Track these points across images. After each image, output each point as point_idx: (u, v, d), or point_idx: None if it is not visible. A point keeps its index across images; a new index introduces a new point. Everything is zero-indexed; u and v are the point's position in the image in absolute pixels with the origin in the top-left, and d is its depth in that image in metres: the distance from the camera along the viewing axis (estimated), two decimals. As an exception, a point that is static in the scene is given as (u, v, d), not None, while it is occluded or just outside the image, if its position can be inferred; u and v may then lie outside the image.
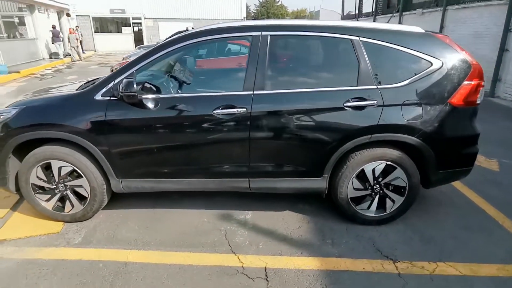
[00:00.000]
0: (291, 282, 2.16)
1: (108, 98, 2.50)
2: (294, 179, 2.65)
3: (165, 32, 21.37)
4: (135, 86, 2.31)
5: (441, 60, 2.49)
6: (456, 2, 9.87)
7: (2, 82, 10.28)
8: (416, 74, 2.49)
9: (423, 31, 2.61)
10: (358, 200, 2.72)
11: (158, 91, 2.57)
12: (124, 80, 2.35)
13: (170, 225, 2.78)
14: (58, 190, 2.70)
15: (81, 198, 2.73)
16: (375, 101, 2.45)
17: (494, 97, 8.16)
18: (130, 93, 2.32)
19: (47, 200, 2.74)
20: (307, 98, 2.50)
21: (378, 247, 2.52)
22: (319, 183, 2.65)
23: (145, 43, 22.43)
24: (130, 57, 8.34)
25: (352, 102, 2.45)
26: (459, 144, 2.61)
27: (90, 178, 2.64)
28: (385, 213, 2.73)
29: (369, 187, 2.66)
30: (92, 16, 23.23)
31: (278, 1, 55.31)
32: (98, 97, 2.52)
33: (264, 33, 2.51)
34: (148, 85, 2.52)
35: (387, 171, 2.60)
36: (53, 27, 16.68)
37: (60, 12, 19.44)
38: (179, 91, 2.92)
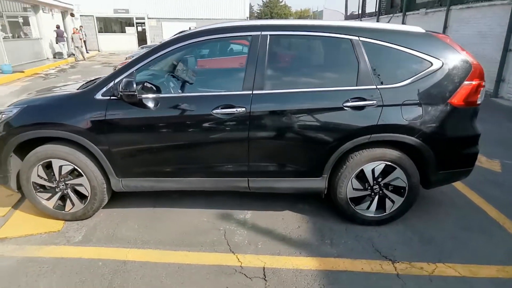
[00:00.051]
0: (289, 282, 2.16)
1: (108, 97, 2.52)
2: (293, 179, 2.65)
3: (169, 32, 21.46)
4: (134, 85, 2.32)
5: (441, 60, 2.48)
6: (460, 2, 9.82)
7: (6, 82, 10.36)
8: (416, 74, 2.48)
9: (424, 31, 2.60)
10: (357, 200, 2.71)
11: (158, 90, 2.58)
12: (124, 79, 2.36)
13: (170, 224, 2.79)
14: (59, 188, 2.72)
15: (81, 197, 2.75)
16: (375, 101, 2.44)
17: (497, 97, 8.11)
18: (129, 93, 2.34)
19: (48, 199, 2.76)
20: (306, 98, 2.49)
21: (377, 247, 2.51)
22: (318, 183, 2.64)
23: (149, 43, 22.50)
24: (133, 56, 8.37)
25: (352, 102, 2.45)
26: (459, 144, 2.60)
27: (90, 177, 2.66)
28: (385, 213, 2.72)
29: (369, 187, 2.66)
30: (96, 16, 23.35)
31: (282, 1, 55.30)
32: (99, 96, 2.53)
33: (263, 33, 2.51)
34: (148, 85, 2.54)
35: (386, 171, 2.60)
36: (57, 27, 16.78)
37: (65, 12, 19.56)
38: (179, 91, 2.93)
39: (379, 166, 2.58)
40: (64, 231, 2.70)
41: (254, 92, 2.47)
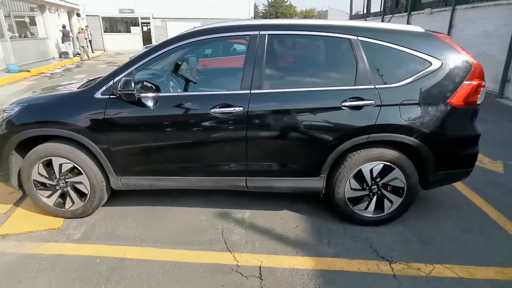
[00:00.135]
0: (285, 281, 2.16)
1: (108, 96, 2.54)
2: (291, 179, 2.65)
3: (173, 31, 21.50)
4: (133, 84, 2.34)
5: (441, 60, 2.47)
6: (465, 1, 9.73)
7: (12, 81, 10.48)
8: (415, 74, 2.47)
9: (423, 30, 2.58)
10: (355, 201, 2.70)
11: (157, 89, 2.60)
12: (123, 78, 2.38)
13: (168, 222, 2.81)
14: (59, 186, 2.75)
15: (81, 194, 2.78)
16: (373, 101, 2.44)
17: (503, 98, 8.01)
18: (128, 91, 2.36)
19: (48, 196, 2.79)
20: (304, 98, 2.49)
21: (375, 247, 2.50)
22: (316, 183, 2.64)
23: (153, 42, 22.59)
24: (136, 56, 8.40)
25: (350, 101, 2.44)
26: (458, 145, 2.58)
27: (89, 175, 2.69)
28: (383, 214, 2.71)
29: (367, 188, 2.65)
30: (102, 16, 23.50)
31: (287, 1, 55.24)
32: (98, 95, 2.56)
33: (262, 32, 2.51)
34: (147, 84, 2.56)
35: (385, 171, 2.59)
36: (63, 26, 16.94)
37: (71, 12, 19.74)
38: (179, 90, 2.94)
39: (378, 166, 2.57)
40: (64, 229, 2.73)
41: (252, 91, 2.47)
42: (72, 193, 2.76)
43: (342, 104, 2.44)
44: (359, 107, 2.45)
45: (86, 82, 3.05)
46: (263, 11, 56.76)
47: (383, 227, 2.73)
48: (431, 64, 2.46)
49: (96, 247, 2.49)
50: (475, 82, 2.46)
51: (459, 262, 2.35)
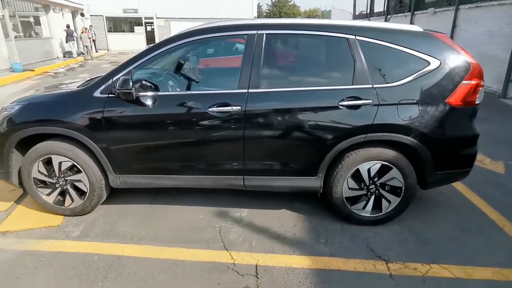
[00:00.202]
0: (281, 280, 2.17)
1: (107, 95, 2.55)
2: (288, 178, 2.66)
3: (177, 31, 21.43)
4: (131, 83, 2.35)
5: (439, 60, 2.46)
6: (469, 1, 9.66)
7: (16, 80, 10.57)
8: (413, 74, 2.46)
9: (422, 30, 2.58)
10: (353, 200, 2.70)
11: (156, 89, 2.62)
12: (121, 77, 2.40)
13: (167, 221, 2.83)
14: (58, 184, 2.77)
15: (80, 192, 2.80)
16: (371, 100, 2.43)
17: (506, 98, 7.95)
18: (126, 90, 2.37)
19: (48, 194, 2.81)
20: (301, 97, 2.49)
21: (372, 247, 2.50)
22: (314, 182, 2.64)
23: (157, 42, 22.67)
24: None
25: (347, 101, 2.44)
26: (457, 144, 2.57)
27: (89, 173, 2.71)
28: (381, 213, 2.71)
29: (365, 187, 2.64)
30: (106, 16, 23.65)
31: (291, 1, 55.14)
32: (97, 94, 2.58)
33: (259, 32, 2.52)
34: (145, 83, 2.57)
35: (382, 171, 2.58)
36: (67, 26, 17.06)
37: (75, 12, 19.86)
38: (177, 89, 2.96)
39: (375, 165, 2.57)
40: (63, 226, 2.75)
41: (250, 90, 2.48)
42: (71, 191, 2.78)
43: (340, 103, 2.44)
44: (356, 107, 2.45)
45: (86, 81, 3.08)
46: (267, 11, 56.73)
47: (381, 227, 2.73)
48: (429, 63, 2.46)
49: (94, 245, 2.51)
50: (473, 82, 2.45)
51: (457, 262, 2.34)
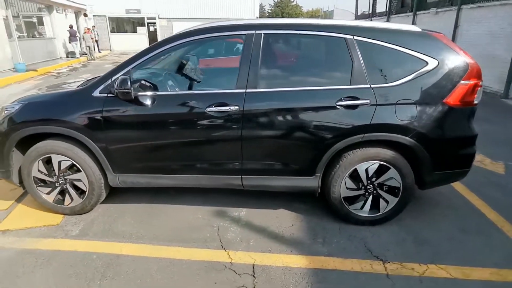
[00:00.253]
0: (277, 279, 2.17)
1: (106, 95, 2.57)
2: (286, 178, 2.66)
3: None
4: (129, 83, 2.37)
5: (437, 60, 2.45)
6: (471, 1, 9.62)
7: (20, 80, 10.64)
8: (411, 74, 2.46)
9: (420, 30, 2.58)
10: (351, 200, 2.70)
11: (155, 88, 2.63)
12: (120, 77, 2.41)
13: (165, 220, 2.84)
14: (58, 183, 2.79)
15: (80, 192, 2.82)
16: (368, 100, 2.43)
17: (508, 98, 7.91)
18: (124, 90, 2.39)
19: (48, 193, 2.83)
20: (299, 97, 2.50)
21: (370, 247, 2.50)
22: (312, 182, 2.65)
23: (159, 42, 22.69)
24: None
25: (345, 101, 2.44)
26: (455, 145, 2.56)
27: (88, 173, 2.73)
28: (379, 213, 2.71)
29: (363, 187, 2.64)
30: (109, 16, 23.75)
31: (293, 1, 55.12)
32: (96, 94, 2.59)
33: (257, 32, 2.53)
34: (144, 83, 2.59)
35: (380, 171, 2.58)
36: (70, 26, 17.14)
37: (78, 12, 19.96)
38: (176, 89, 2.97)
39: (373, 165, 2.57)
40: (63, 225, 2.77)
41: (248, 90, 2.49)
42: (71, 190, 2.80)
43: (337, 103, 2.44)
44: (354, 107, 2.45)
45: (86, 81, 3.10)
46: (269, 11, 56.74)
47: (379, 227, 2.73)
48: (427, 63, 2.46)
49: (93, 244, 2.52)
50: (472, 82, 2.45)
51: (454, 262, 2.34)
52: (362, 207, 2.70)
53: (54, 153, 2.68)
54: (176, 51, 2.74)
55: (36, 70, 12.02)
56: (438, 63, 2.45)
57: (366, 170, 2.58)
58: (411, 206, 2.95)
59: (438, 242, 2.57)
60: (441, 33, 2.60)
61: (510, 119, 6.37)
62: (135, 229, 2.71)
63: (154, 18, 24.32)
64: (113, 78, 2.53)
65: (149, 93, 2.53)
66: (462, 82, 2.45)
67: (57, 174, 2.75)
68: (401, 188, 2.61)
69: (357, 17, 22.96)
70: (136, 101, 2.50)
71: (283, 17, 47.64)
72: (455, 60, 2.46)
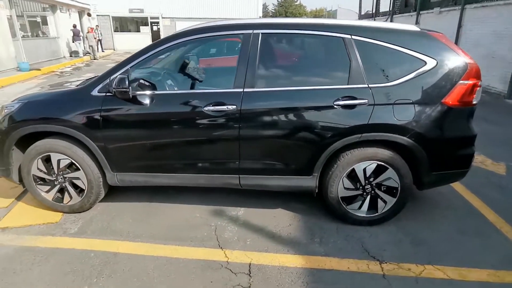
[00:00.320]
0: (273, 279, 2.18)
1: (104, 94, 2.59)
2: (283, 177, 2.66)
3: (182, 31, 21.61)
4: (127, 82, 2.38)
5: (436, 59, 2.44)
6: (475, 0, 9.55)
7: (23, 79, 10.72)
8: (409, 73, 2.45)
9: (418, 29, 2.56)
10: (349, 200, 2.70)
11: (153, 88, 2.64)
12: (118, 76, 2.43)
13: (163, 219, 2.85)
14: (57, 181, 2.81)
15: (79, 190, 2.84)
16: (366, 100, 2.43)
17: (511, 99, 7.85)
18: (122, 89, 2.40)
19: (47, 191, 2.85)
20: (296, 96, 2.50)
21: (367, 247, 2.49)
22: (309, 182, 2.64)
23: (162, 42, 22.72)
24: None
25: (342, 100, 2.44)
26: (453, 145, 2.55)
27: (87, 171, 2.74)
28: (377, 213, 2.70)
29: (360, 187, 2.64)
30: (112, 16, 23.85)
31: (297, 1, 55.03)
32: (95, 93, 2.61)
33: (255, 31, 2.53)
34: (143, 82, 2.60)
35: (378, 171, 2.57)
36: (74, 26, 17.23)
37: (81, 12, 20.06)
38: (175, 88, 2.98)
39: (371, 165, 2.56)
40: (62, 223, 2.79)
41: (245, 90, 2.49)
42: (70, 188, 2.82)
43: (335, 103, 2.43)
44: (352, 106, 2.44)
45: (86, 80, 3.11)
46: (273, 10, 56.70)
47: (377, 227, 2.72)
48: (425, 63, 2.44)
49: (91, 242, 2.54)
50: (470, 82, 2.43)
51: (452, 263, 2.33)
52: (360, 207, 2.69)
53: (53, 152, 2.70)
54: (175, 50, 2.75)
55: (39, 69, 12.10)
56: (437, 63, 2.44)
57: (364, 170, 2.57)
58: (410, 206, 2.94)
59: (436, 243, 2.55)
60: (440, 32, 2.58)
61: (513, 120, 6.32)
62: (133, 228, 2.72)
63: (157, 18, 24.38)
64: (112, 77, 2.54)
65: (147, 92, 2.54)
66: (461, 82, 2.43)
67: (56, 172, 2.77)
68: (399, 188, 2.60)
69: (361, 17, 22.90)
70: (134, 100, 2.51)
71: (286, 16, 47.56)
72: (454, 60, 2.45)
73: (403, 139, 2.45)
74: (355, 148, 2.54)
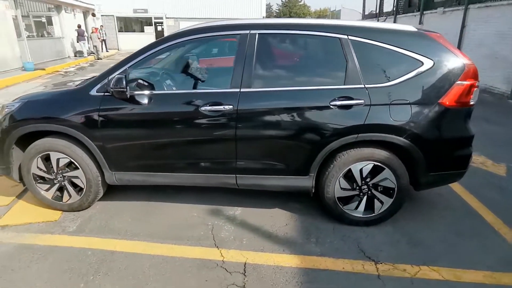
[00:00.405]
0: (268, 278, 2.18)
1: (103, 93, 2.61)
2: (280, 177, 2.67)
3: (185, 31, 21.68)
4: (124, 82, 2.40)
5: (433, 60, 2.44)
6: (479, 0, 9.48)
7: (28, 79, 10.83)
8: (406, 74, 2.45)
9: (415, 29, 2.56)
10: (345, 200, 2.70)
11: (151, 87, 2.66)
12: (116, 76, 2.45)
13: (161, 218, 2.87)
14: (57, 180, 2.84)
15: (78, 189, 2.87)
16: (362, 100, 2.43)
17: (515, 99, 7.79)
18: (119, 89, 2.42)
19: (47, 190, 2.89)
20: (293, 97, 2.51)
21: (363, 248, 2.49)
22: (306, 182, 2.65)
23: (166, 42, 22.82)
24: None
25: (339, 101, 2.44)
26: (450, 146, 2.54)
27: (85, 170, 2.77)
28: (374, 214, 2.70)
29: (357, 187, 2.64)
30: (116, 16, 24.00)
31: (301, 1, 54.96)
32: (93, 92, 2.64)
33: (252, 31, 2.54)
34: (141, 82, 2.62)
35: (375, 171, 2.57)
36: (79, 26, 17.37)
37: (86, 12, 20.21)
38: (173, 88, 3.00)
39: (367, 166, 2.56)
40: (61, 221, 2.82)
41: (242, 90, 2.50)
42: (69, 187, 2.85)
43: (331, 103, 2.44)
44: (348, 107, 2.44)
45: (85, 79, 3.14)
46: (277, 10, 56.67)
47: (373, 228, 2.72)
48: (422, 63, 2.44)
49: (89, 240, 2.56)
50: (468, 82, 2.42)
51: (448, 264, 2.32)
52: (357, 207, 2.69)
53: (53, 151, 2.73)
54: (174, 50, 2.77)
55: (44, 69, 12.21)
56: (434, 63, 2.43)
57: (361, 171, 2.57)
58: (408, 207, 2.94)
59: (433, 244, 2.55)
60: (438, 33, 2.57)
61: (516, 121, 6.27)
62: (131, 227, 2.74)
63: (161, 18, 24.49)
64: (110, 77, 2.56)
65: (144, 92, 2.56)
66: (458, 82, 2.42)
67: (55, 171, 2.80)
68: (395, 189, 2.59)
69: (364, 17, 22.81)
70: (132, 100, 2.54)
71: (290, 16, 47.51)
72: (451, 60, 2.44)
73: (400, 140, 2.45)
74: (352, 149, 2.54)
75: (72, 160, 2.74)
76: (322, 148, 2.51)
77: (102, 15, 22.74)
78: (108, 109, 2.58)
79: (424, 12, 13.17)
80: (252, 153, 2.61)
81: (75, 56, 17.70)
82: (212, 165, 2.68)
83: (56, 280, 2.16)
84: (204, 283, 2.14)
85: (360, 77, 2.46)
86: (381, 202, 2.66)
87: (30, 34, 15.52)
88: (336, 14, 46.59)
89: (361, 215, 2.71)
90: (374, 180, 2.60)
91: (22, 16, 13.15)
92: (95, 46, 17.24)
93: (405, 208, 2.85)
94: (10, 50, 11.68)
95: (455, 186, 3.37)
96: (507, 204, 3.12)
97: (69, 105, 2.66)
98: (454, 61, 2.44)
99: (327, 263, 2.33)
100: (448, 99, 2.43)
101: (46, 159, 2.78)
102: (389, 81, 2.45)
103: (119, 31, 24.58)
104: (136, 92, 2.54)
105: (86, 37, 17.75)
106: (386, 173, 2.56)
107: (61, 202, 2.91)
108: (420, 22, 13.20)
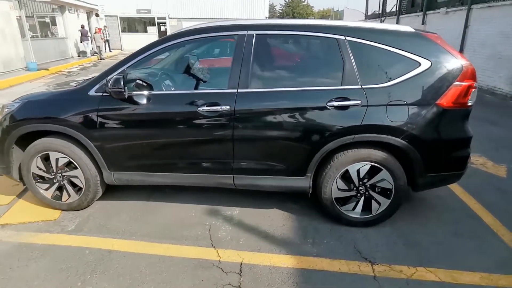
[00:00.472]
0: (263, 278, 2.19)
1: (101, 94, 2.63)
2: (277, 177, 2.67)
3: (188, 31, 21.73)
4: (122, 82, 2.42)
5: (430, 61, 2.43)
6: (481, 1, 9.43)
7: (31, 79, 10.90)
8: (403, 75, 2.44)
9: (413, 30, 2.55)
10: (343, 201, 2.69)
11: (150, 88, 2.67)
12: (113, 77, 2.47)
13: (159, 217, 2.88)
14: (56, 180, 2.86)
15: (77, 188, 2.89)
16: (359, 101, 2.42)
17: (518, 100, 7.74)
18: (117, 89, 2.44)
19: (46, 189, 2.91)
20: (290, 97, 2.51)
21: (359, 249, 2.49)
22: (303, 182, 2.65)
23: (169, 42, 22.89)
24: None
25: (336, 101, 2.44)
26: (448, 147, 2.53)
27: (84, 170, 2.79)
28: (371, 215, 2.69)
29: (354, 188, 2.64)
30: (120, 16, 24.10)
31: (304, 1, 54.89)
32: (92, 93, 2.65)
33: (249, 32, 2.55)
34: (139, 82, 2.63)
35: (372, 172, 2.57)
36: (82, 26, 17.46)
37: (90, 12, 20.31)
38: (171, 88, 3.02)
39: (365, 167, 2.56)
40: (60, 220, 2.84)
41: (239, 90, 2.51)
42: (68, 186, 2.87)
43: (328, 104, 2.44)
44: (345, 107, 2.44)
45: (84, 80, 3.16)
46: (280, 11, 56.65)
47: (371, 229, 2.71)
48: (420, 64, 2.43)
49: (87, 239, 2.58)
50: (465, 83, 2.42)
51: (444, 266, 2.31)
52: (354, 208, 2.69)
53: (52, 151, 2.76)
54: (173, 51, 2.78)
55: (47, 69, 12.29)
56: (431, 64, 2.43)
57: (358, 171, 2.57)
58: (406, 208, 2.93)
59: (430, 245, 2.54)
60: (435, 33, 2.57)
61: (518, 122, 6.23)
62: (129, 226, 2.76)
63: (165, 18, 24.57)
64: (108, 78, 2.58)
65: (142, 92, 2.57)
66: (455, 83, 2.42)
67: (55, 170, 2.83)
68: (393, 190, 2.59)
69: (367, 17, 22.76)
70: (130, 100, 2.55)
71: (293, 17, 47.47)
72: (449, 61, 2.43)
73: (397, 141, 2.44)
74: (349, 149, 2.54)
75: (71, 159, 2.76)
76: (319, 149, 2.51)
77: (105, 16, 22.83)
78: (106, 109, 2.60)
79: (427, 12, 13.12)
80: (250, 154, 2.62)
81: (79, 56, 17.79)
82: (210, 165, 2.69)
83: (54, 279, 2.18)
84: (200, 283, 2.15)
85: (357, 78, 2.45)
86: (379, 203, 2.65)
87: (34, 34, 15.66)
88: (339, 14, 46.52)
89: (358, 216, 2.71)
90: (372, 181, 2.60)
91: (26, 16, 13.24)
92: (98, 47, 17.33)
93: (403, 209, 2.84)
94: (14, 50, 11.77)
95: (455, 187, 3.36)
96: (506, 206, 3.10)
97: (68, 105, 2.68)
98: (451, 62, 2.43)
99: (323, 264, 2.33)
100: (445, 100, 2.42)
101: (46, 158, 2.81)
102: (386, 81, 2.45)
103: (122, 31, 24.68)
104: (134, 93, 2.55)
105: (89, 38, 17.83)
106: (384, 174, 2.56)
107: (60, 202, 2.93)
108: (423, 22, 13.15)
